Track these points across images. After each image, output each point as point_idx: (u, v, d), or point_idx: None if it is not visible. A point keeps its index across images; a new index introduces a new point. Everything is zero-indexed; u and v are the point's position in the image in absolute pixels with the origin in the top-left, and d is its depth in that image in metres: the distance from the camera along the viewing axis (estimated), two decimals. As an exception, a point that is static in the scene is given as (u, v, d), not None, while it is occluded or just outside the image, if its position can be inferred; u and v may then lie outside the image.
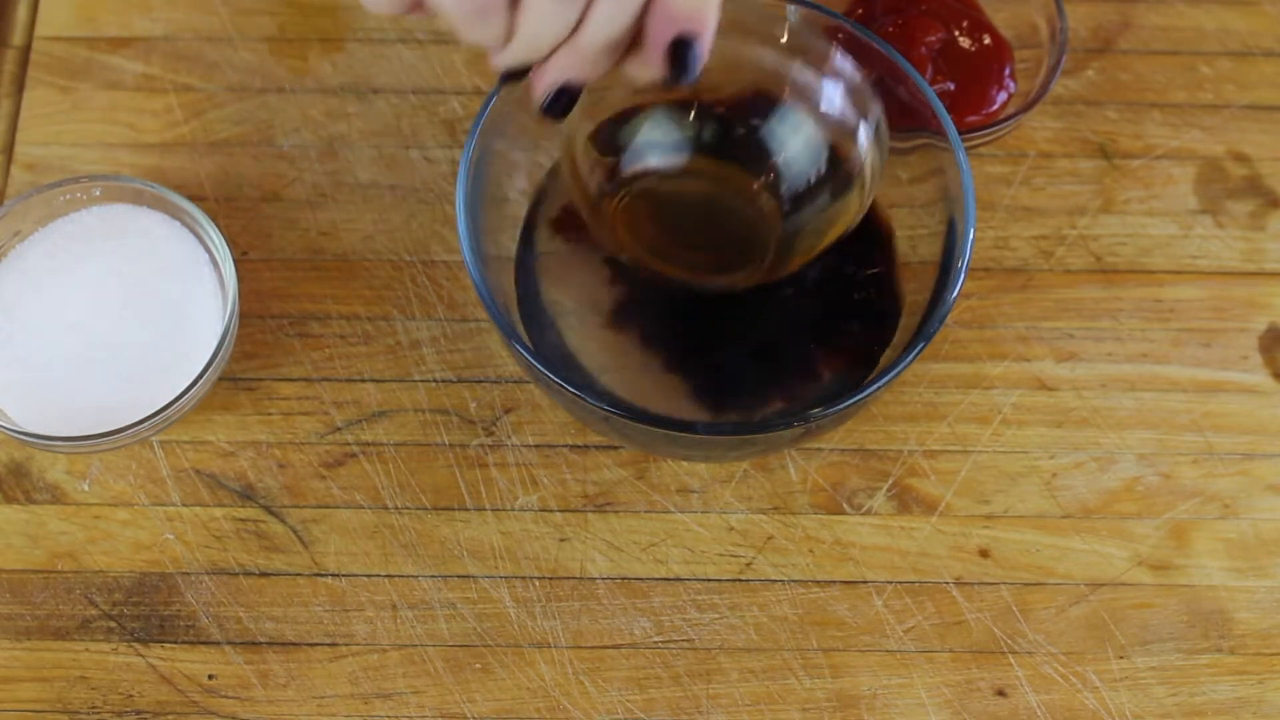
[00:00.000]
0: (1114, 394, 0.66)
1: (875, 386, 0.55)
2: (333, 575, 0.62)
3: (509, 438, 0.64)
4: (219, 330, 0.63)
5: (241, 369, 0.66)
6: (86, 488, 0.63)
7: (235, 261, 0.63)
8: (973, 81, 0.68)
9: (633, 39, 0.50)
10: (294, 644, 0.61)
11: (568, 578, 0.62)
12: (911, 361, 0.55)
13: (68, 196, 0.64)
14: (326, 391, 0.65)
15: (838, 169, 0.61)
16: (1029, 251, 0.68)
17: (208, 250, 0.64)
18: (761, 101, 0.62)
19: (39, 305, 0.63)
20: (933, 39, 0.67)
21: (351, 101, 0.71)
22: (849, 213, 0.61)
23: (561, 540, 0.63)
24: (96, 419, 0.60)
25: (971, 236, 0.57)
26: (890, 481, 0.64)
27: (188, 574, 0.62)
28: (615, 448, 0.64)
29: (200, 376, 0.60)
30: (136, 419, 0.60)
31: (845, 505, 0.63)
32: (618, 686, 0.60)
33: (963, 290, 0.62)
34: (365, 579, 0.62)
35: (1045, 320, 0.67)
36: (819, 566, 0.62)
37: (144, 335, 0.62)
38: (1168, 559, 0.63)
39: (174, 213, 0.65)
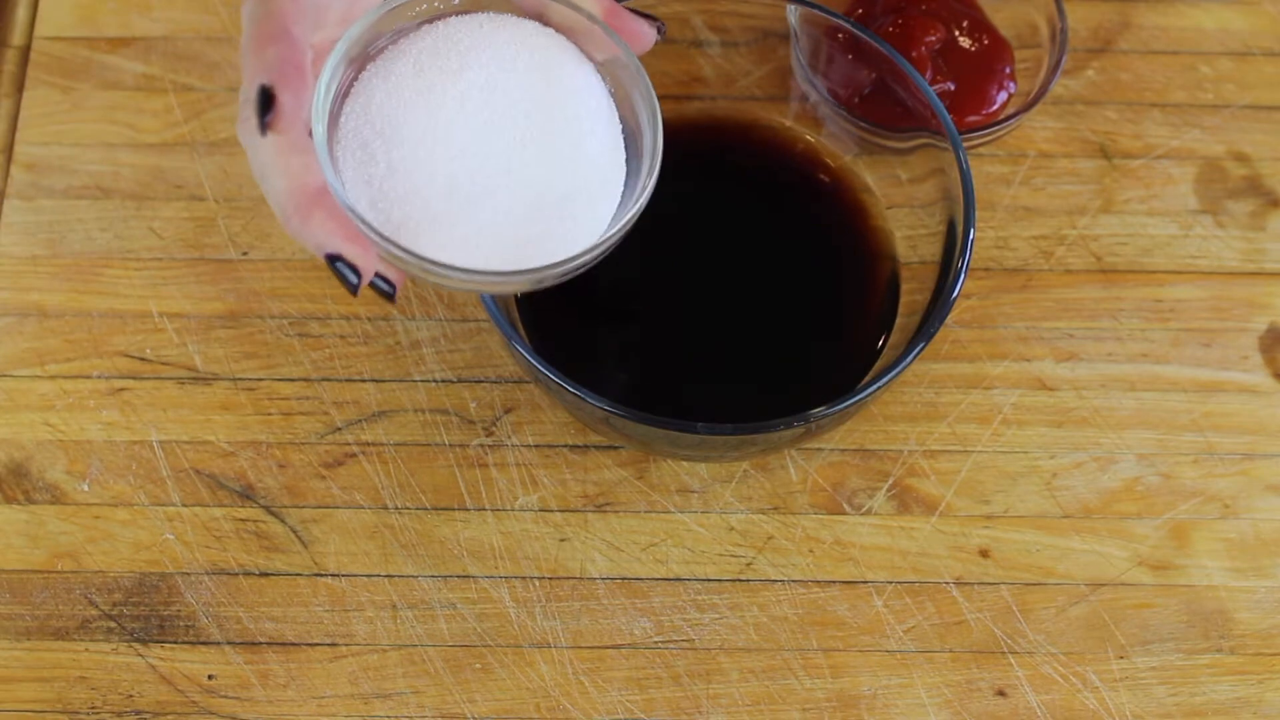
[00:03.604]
0: (1114, 394, 0.65)
1: (875, 386, 0.55)
2: (333, 575, 0.62)
3: (509, 438, 0.64)
4: (620, 159, 0.53)
5: (241, 369, 0.66)
6: (86, 488, 0.63)
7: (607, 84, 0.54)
8: (973, 81, 0.68)
9: None
10: (294, 644, 0.61)
11: (568, 578, 0.62)
12: (911, 361, 0.55)
13: (424, 6, 0.53)
14: (326, 391, 0.65)
15: None
16: (1029, 251, 0.68)
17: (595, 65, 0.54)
18: None
19: (418, 129, 0.51)
20: (933, 39, 0.67)
21: (351, 101, 0.71)
22: None
23: (561, 540, 0.63)
24: (514, 255, 0.51)
25: (971, 236, 0.57)
26: (890, 481, 0.64)
27: (188, 574, 0.62)
28: (615, 448, 0.64)
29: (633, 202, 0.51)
30: (563, 257, 0.50)
31: (845, 505, 0.63)
32: (618, 686, 0.60)
33: (963, 290, 0.62)
34: (365, 579, 0.62)
35: (1045, 320, 0.67)
36: (819, 566, 0.62)
37: (545, 161, 0.52)
38: (1168, 559, 0.63)
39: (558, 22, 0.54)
